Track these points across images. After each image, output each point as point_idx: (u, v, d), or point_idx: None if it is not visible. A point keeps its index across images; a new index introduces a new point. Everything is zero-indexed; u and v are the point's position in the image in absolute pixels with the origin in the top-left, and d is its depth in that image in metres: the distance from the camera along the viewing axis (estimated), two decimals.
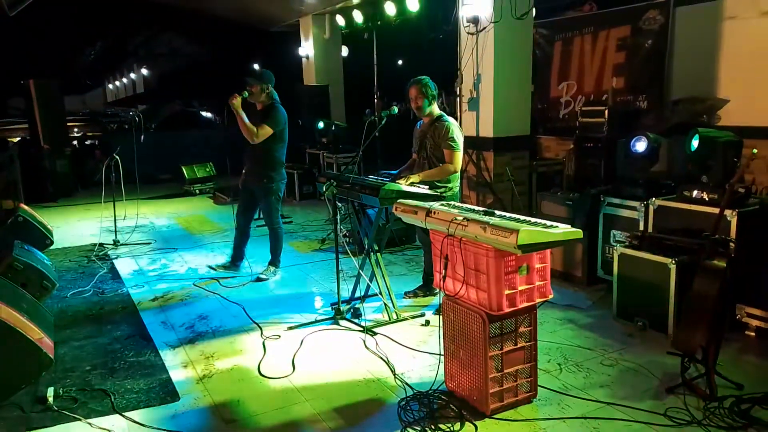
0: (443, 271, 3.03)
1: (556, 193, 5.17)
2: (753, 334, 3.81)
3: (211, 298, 5.01)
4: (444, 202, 3.40)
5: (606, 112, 7.44)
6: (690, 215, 3.98)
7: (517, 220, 2.84)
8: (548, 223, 2.78)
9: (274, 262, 5.60)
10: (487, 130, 6.80)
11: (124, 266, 6.06)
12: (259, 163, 5.27)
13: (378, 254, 4.35)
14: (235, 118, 5.06)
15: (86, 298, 5.09)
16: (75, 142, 13.74)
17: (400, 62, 15.22)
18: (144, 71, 28.72)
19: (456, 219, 2.89)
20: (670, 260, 3.70)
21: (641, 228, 4.33)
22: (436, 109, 4.50)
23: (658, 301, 3.80)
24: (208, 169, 10.85)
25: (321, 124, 9.73)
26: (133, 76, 30.08)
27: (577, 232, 2.75)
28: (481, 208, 3.18)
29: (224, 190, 9.85)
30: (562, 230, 2.71)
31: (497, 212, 3.02)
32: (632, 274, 4.01)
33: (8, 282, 4.18)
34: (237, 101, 4.98)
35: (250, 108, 5.23)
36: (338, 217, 4.52)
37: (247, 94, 5.09)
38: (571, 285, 4.90)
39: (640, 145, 4.55)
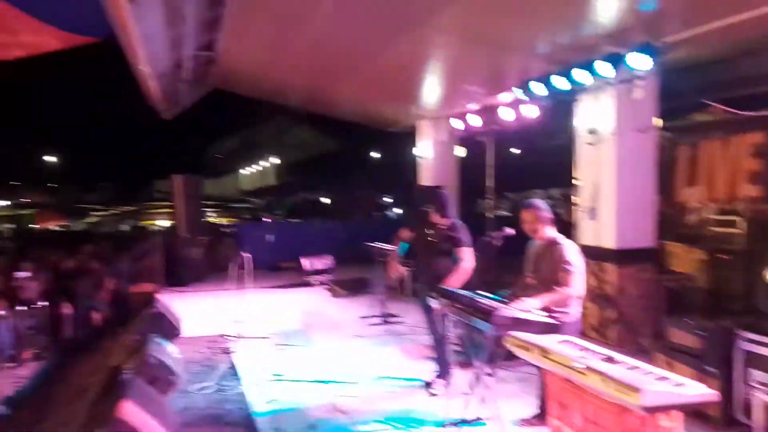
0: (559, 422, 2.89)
1: (686, 320, 4.80)
2: None
3: (322, 406, 5.09)
4: (562, 339, 3.28)
5: (741, 222, 6.95)
6: None
7: (643, 371, 2.68)
8: (678, 379, 2.59)
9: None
10: (608, 241, 6.57)
11: (244, 362, 6.35)
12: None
13: (488, 376, 4.24)
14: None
15: (208, 396, 5.37)
16: (208, 228, 15.05)
17: (515, 165, 15.33)
18: (274, 160, 31.17)
19: (574, 365, 2.78)
20: None
21: None
22: (551, 231, 4.45)
23: None
24: (326, 261, 11.31)
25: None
26: (265, 164, 32.71)
27: (713, 394, 2.53)
28: (603, 351, 3.03)
29: (342, 283, 10.17)
30: (695, 391, 2.51)
31: (619, 357, 2.87)
32: None
33: (140, 380, 4.54)
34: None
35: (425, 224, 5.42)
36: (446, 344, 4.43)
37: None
38: (704, 424, 4.42)
39: None
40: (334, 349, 6.75)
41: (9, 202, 31.80)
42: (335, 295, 10.07)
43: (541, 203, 4.47)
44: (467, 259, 5.15)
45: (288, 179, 30.37)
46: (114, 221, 25.32)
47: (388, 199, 26.32)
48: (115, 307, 9.14)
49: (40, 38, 7.26)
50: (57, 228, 22.25)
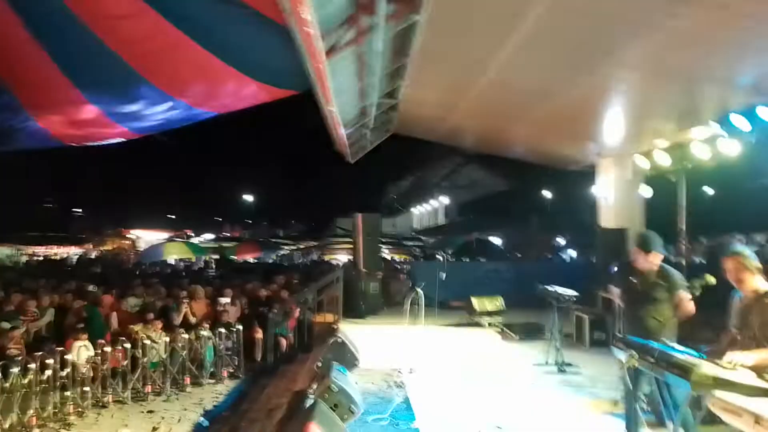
0: None
1: None
2: None
3: None
4: None
5: None
6: None
7: None
8: None
9: None
10: None
11: (417, 397, 6.45)
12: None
13: None
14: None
15: (383, 427, 5.54)
16: (384, 264, 15.68)
17: (710, 206, 13.89)
18: (445, 200, 31.73)
19: None
20: None
21: None
22: (760, 281, 3.94)
23: None
24: (497, 303, 11.12)
25: (615, 269, 9.28)
26: (435, 204, 33.44)
27: None
28: None
29: (512, 327, 9.92)
30: None
31: None
32: None
33: (324, 405, 4.83)
34: None
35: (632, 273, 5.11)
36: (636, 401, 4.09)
37: None
38: None
39: None
40: (507, 395, 6.57)
41: (213, 236, 36.28)
42: (505, 338, 9.84)
43: (746, 250, 4.03)
44: (686, 304, 4.74)
45: (457, 218, 30.68)
46: (301, 255, 27.55)
47: (561, 240, 25.29)
48: (300, 334, 9.90)
49: (252, 93, 8.29)
50: (252, 260, 24.76)
